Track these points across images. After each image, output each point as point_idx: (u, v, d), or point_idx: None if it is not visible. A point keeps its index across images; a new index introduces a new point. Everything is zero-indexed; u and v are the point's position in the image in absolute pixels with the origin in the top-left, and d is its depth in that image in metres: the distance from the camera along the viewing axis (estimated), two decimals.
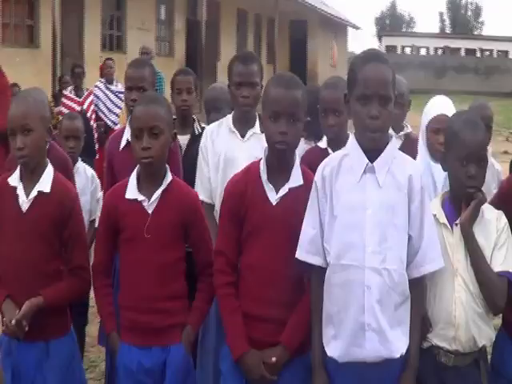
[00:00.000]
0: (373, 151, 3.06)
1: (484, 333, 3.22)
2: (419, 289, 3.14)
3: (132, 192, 3.41)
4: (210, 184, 4.20)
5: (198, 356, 4.27)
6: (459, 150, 3.23)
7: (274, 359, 3.19)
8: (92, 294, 3.66)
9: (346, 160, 3.13)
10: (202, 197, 4.01)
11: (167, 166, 3.48)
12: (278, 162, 3.29)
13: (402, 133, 4.91)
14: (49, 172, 3.49)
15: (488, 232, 3.25)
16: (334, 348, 3.09)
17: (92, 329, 5.76)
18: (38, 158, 3.47)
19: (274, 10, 28.10)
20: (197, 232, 3.48)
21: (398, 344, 3.04)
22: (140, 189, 3.41)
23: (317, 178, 3.16)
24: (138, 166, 3.45)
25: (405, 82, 4.87)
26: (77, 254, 3.53)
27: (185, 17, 24.84)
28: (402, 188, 3.05)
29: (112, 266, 3.61)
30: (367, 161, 3.05)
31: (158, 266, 3.36)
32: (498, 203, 3.41)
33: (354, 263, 3.01)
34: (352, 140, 3.15)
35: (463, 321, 3.17)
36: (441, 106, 4.06)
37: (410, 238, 3.07)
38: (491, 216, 3.29)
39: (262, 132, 3.40)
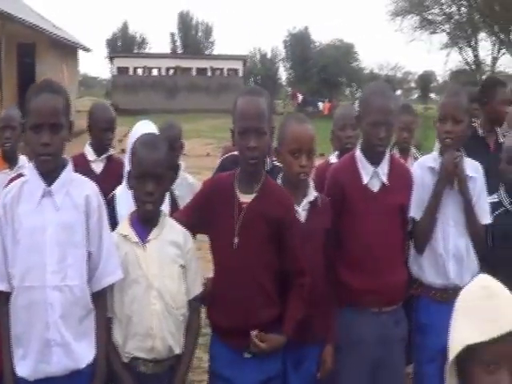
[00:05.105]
0: (51, 175, 3.22)
1: (179, 341, 3.44)
2: (102, 301, 3.33)
3: None
4: None
5: None
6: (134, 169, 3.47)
7: None
8: None
9: (25, 186, 3.25)
10: None
11: None
12: None
13: (103, 156, 5.14)
14: None
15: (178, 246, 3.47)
16: (22, 367, 3.19)
17: None
18: None
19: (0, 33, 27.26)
20: None
21: (83, 355, 3.22)
22: None
23: None
24: None
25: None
26: None
27: None
28: (80, 208, 3.23)
29: None
30: (44, 185, 3.20)
31: None
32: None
33: (36, 284, 3.14)
34: (30, 166, 3.28)
35: (159, 331, 3.36)
36: (145, 130, 4.28)
37: (90, 254, 3.26)
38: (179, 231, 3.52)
39: None
